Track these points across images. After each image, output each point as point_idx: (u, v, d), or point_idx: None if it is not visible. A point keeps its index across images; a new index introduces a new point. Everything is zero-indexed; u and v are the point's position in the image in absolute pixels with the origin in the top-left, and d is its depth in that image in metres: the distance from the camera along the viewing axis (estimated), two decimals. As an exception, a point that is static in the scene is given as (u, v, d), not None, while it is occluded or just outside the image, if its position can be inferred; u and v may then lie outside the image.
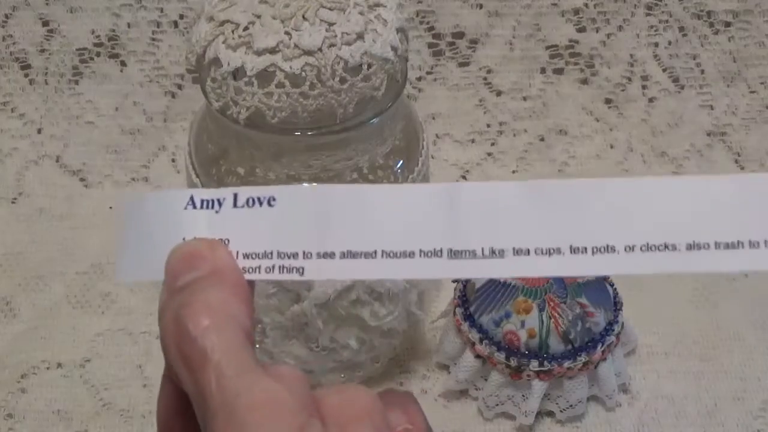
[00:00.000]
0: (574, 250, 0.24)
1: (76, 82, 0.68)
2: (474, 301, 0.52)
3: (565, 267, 0.24)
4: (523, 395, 0.52)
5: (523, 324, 0.51)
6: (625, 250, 0.24)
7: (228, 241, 0.25)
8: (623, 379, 0.54)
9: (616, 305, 0.53)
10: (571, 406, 0.52)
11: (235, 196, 0.26)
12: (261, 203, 0.25)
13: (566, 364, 0.50)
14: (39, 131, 0.68)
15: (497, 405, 0.53)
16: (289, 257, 0.25)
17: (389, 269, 0.25)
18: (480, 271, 0.25)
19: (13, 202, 0.67)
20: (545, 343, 0.50)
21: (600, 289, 0.53)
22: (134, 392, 0.55)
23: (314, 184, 0.26)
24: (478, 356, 0.52)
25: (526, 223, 0.25)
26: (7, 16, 0.66)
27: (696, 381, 0.55)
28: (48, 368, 0.57)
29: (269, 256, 0.25)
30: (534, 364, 0.50)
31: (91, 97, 0.68)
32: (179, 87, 0.68)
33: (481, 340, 0.51)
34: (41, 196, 0.67)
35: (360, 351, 0.51)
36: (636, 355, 0.56)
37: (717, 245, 0.24)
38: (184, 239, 0.26)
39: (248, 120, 0.42)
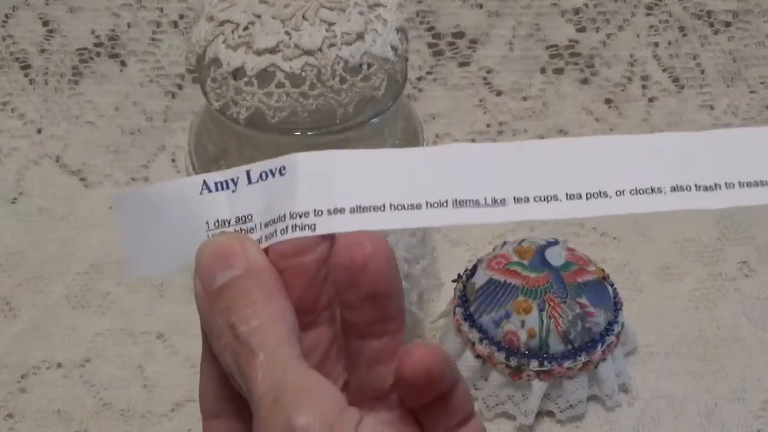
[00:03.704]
0: (569, 196, 0.26)
1: (76, 82, 0.68)
2: (474, 301, 0.52)
3: (562, 211, 0.26)
4: (523, 395, 0.52)
5: (523, 324, 0.51)
6: (616, 194, 0.26)
7: (251, 216, 0.27)
8: (623, 379, 0.54)
9: (616, 305, 0.53)
10: (571, 406, 0.52)
11: (248, 173, 0.27)
12: (273, 174, 0.27)
13: (566, 364, 0.50)
14: (39, 131, 0.68)
15: (497, 405, 0.53)
16: (300, 216, 0.26)
17: (398, 220, 0.26)
18: (484, 217, 0.26)
19: (13, 202, 0.67)
20: (545, 343, 0.50)
21: (600, 289, 0.53)
22: (134, 392, 0.55)
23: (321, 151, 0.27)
24: (478, 356, 0.52)
25: (523, 176, 0.27)
26: (7, 16, 0.66)
27: (696, 381, 0.55)
28: (48, 368, 0.57)
29: (283, 218, 0.26)
30: (534, 364, 0.50)
31: (91, 97, 0.68)
32: (179, 87, 0.68)
33: (481, 340, 0.51)
34: (41, 196, 0.67)
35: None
36: (636, 355, 0.56)
37: (697, 187, 0.27)
38: (207, 223, 0.27)
39: (248, 120, 0.42)
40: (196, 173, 0.48)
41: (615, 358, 0.53)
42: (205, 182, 0.27)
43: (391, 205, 0.26)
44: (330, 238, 0.26)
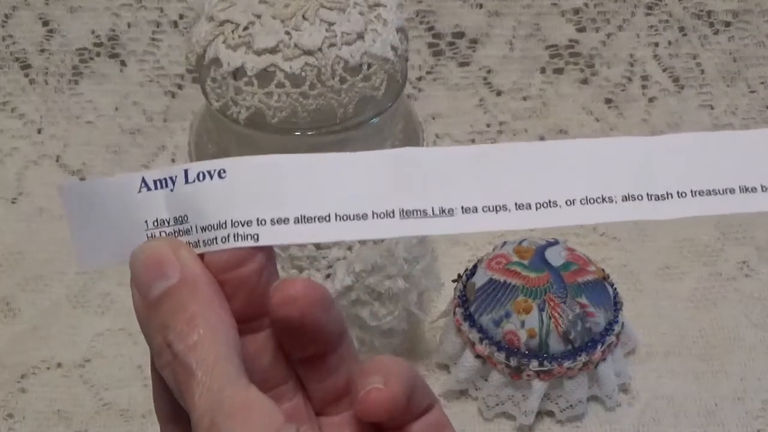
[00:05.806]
0: (519, 206, 0.26)
1: (76, 82, 0.68)
2: (474, 301, 0.52)
3: (511, 222, 0.26)
4: (523, 395, 0.52)
5: (523, 324, 0.51)
6: (566, 203, 0.26)
7: (186, 217, 0.25)
8: (623, 379, 0.54)
9: (616, 305, 0.53)
10: (571, 406, 0.52)
11: (186, 172, 0.26)
12: (212, 176, 0.25)
13: (566, 364, 0.50)
14: (39, 131, 0.68)
15: (497, 405, 0.53)
16: (243, 225, 0.25)
17: (343, 231, 0.25)
18: (431, 228, 0.26)
19: (13, 202, 0.67)
20: (545, 343, 0.50)
21: (600, 289, 0.53)
22: (134, 392, 0.55)
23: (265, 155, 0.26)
24: (478, 356, 0.52)
25: (473, 184, 0.26)
26: (7, 16, 0.66)
27: (696, 381, 0.55)
28: (48, 368, 0.57)
29: (223, 226, 0.25)
30: (534, 364, 0.50)
31: (91, 97, 0.68)
32: (179, 87, 0.68)
33: (481, 340, 0.51)
34: (41, 196, 0.67)
35: (360, 351, 0.51)
36: (636, 355, 0.56)
37: (649, 197, 0.26)
38: (146, 222, 0.26)
39: (248, 120, 0.42)
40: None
41: (615, 358, 0.53)
42: (144, 180, 0.26)
43: (336, 216, 0.25)
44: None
